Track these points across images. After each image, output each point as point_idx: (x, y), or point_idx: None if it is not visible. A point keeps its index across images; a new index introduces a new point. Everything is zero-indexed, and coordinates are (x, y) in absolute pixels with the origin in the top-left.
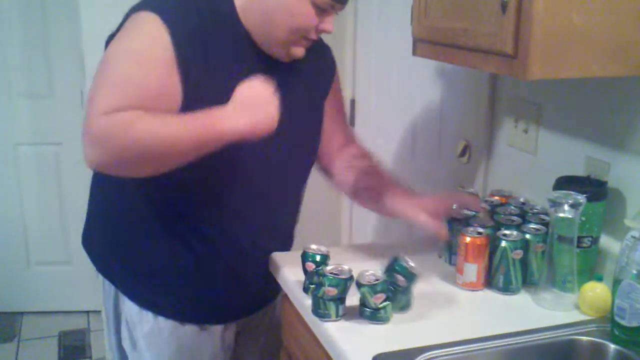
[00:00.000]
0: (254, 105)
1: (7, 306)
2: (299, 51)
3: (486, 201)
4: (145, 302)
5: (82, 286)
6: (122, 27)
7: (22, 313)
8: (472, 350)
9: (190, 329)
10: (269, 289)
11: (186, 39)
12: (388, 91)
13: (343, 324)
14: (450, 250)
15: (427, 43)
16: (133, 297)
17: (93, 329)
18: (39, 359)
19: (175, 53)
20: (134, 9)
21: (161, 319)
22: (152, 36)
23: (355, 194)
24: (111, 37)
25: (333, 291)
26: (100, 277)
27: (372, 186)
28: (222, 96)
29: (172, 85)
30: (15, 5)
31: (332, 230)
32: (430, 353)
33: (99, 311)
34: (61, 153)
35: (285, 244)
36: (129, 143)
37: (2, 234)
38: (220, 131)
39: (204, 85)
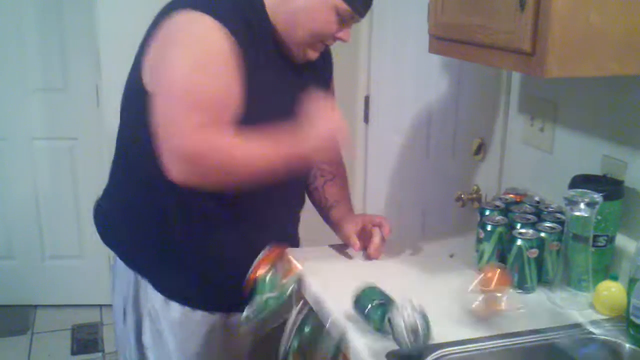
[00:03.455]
0: (331, 141)
1: (21, 299)
2: (313, 55)
3: (500, 199)
4: (173, 293)
5: (96, 280)
6: (169, 29)
7: (35, 306)
8: (485, 348)
9: (218, 317)
10: None
11: (237, 34)
12: (403, 88)
13: (356, 321)
14: None
15: (443, 40)
16: (160, 289)
17: (106, 322)
18: (51, 352)
19: (236, 48)
20: (173, 8)
21: (188, 308)
22: (213, 38)
23: (312, 197)
24: (144, 42)
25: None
26: (112, 272)
27: (327, 201)
28: (261, 96)
29: (239, 84)
30: None
31: None
32: (443, 350)
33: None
34: (76, 148)
35: (295, 241)
36: (223, 166)
37: (17, 228)
38: (302, 157)
39: (251, 83)
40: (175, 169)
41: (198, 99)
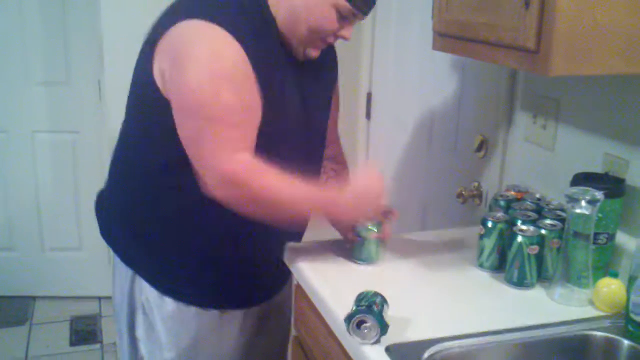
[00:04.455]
0: (367, 200)
1: (20, 290)
2: (314, 52)
3: (502, 196)
4: (167, 289)
5: (95, 272)
6: (180, 39)
7: (34, 297)
8: (485, 343)
9: (212, 313)
10: (284, 272)
11: (248, 46)
12: (405, 85)
13: None
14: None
15: (447, 37)
16: (155, 284)
17: (104, 314)
18: (50, 343)
19: (249, 61)
20: (180, 13)
21: (182, 303)
22: (233, 55)
23: None
24: (147, 43)
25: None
26: (112, 265)
27: None
28: (276, 100)
29: (257, 96)
30: None
31: None
32: (442, 345)
33: (111, 297)
34: (77, 141)
35: (300, 233)
36: (256, 196)
37: (18, 220)
38: (330, 213)
39: (266, 90)
40: (219, 192)
41: (228, 116)
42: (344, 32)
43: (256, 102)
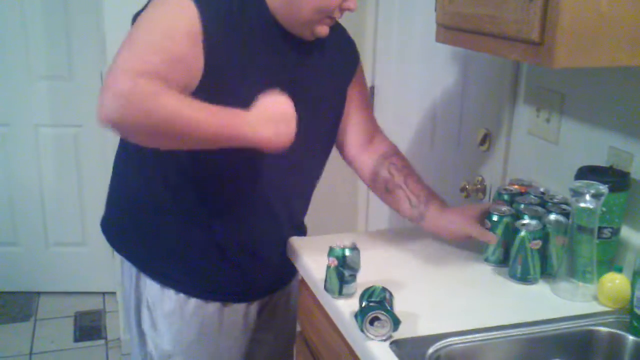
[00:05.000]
0: (275, 121)
1: (24, 286)
2: (323, 30)
3: (506, 190)
4: (167, 279)
5: (99, 268)
6: (150, 3)
7: (39, 293)
8: (489, 339)
9: (213, 306)
10: (289, 269)
11: (215, 19)
12: (409, 78)
13: None
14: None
15: (451, 29)
16: (154, 276)
17: (108, 310)
18: (54, 339)
19: (202, 29)
20: None
21: (183, 296)
22: (181, 11)
23: (393, 198)
24: (137, 15)
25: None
26: (119, 259)
27: (418, 197)
28: (249, 80)
29: (194, 59)
30: None
31: (348, 216)
32: (447, 340)
33: (115, 292)
34: (80, 135)
35: (300, 230)
36: (150, 112)
37: (21, 215)
38: (239, 133)
39: (231, 67)
40: (102, 104)
41: (150, 52)
42: (348, 4)
43: (186, 60)
